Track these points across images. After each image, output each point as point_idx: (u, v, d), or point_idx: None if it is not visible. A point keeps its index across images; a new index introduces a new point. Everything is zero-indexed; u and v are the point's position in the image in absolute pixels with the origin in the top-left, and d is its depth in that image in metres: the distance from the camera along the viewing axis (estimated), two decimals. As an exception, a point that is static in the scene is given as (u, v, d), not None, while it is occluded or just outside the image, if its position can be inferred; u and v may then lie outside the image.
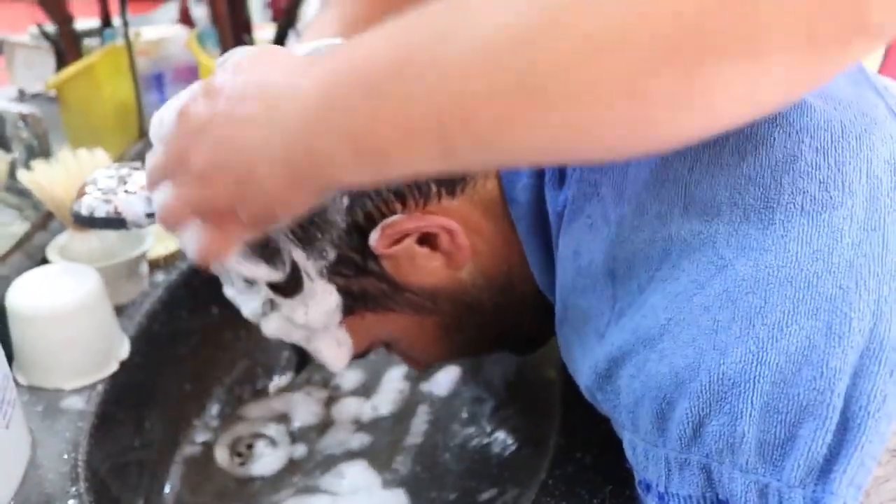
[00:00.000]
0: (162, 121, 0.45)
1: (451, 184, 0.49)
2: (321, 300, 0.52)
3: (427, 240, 0.50)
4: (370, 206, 0.49)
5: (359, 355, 0.57)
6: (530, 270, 0.52)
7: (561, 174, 0.48)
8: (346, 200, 0.50)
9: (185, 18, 1.39)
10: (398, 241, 0.50)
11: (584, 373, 0.44)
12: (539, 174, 0.49)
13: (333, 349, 0.55)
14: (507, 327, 0.57)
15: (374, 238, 0.50)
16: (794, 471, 0.33)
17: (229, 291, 0.56)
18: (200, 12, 1.45)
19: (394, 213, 0.49)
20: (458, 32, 0.31)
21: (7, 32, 1.22)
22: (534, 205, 0.50)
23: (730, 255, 0.36)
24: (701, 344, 0.36)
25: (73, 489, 0.53)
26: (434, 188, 0.49)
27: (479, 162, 0.39)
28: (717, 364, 0.35)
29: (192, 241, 0.42)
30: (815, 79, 0.30)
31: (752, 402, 0.34)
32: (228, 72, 0.40)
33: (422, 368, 0.63)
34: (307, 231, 0.49)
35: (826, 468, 0.33)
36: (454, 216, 0.50)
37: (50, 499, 0.52)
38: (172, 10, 1.48)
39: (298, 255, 0.50)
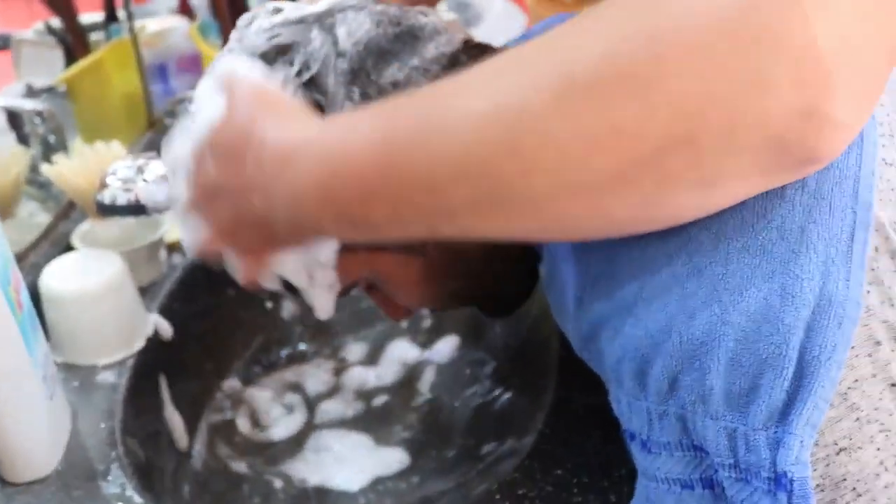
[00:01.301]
0: (176, 159, 0.48)
1: None
2: None
3: None
4: None
5: (342, 293, 0.57)
6: None
7: None
8: None
9: (185, 8, 1.42)
10: None
11: (570, 334, 0.48)
12: None
13: (325, 292, 0.56)
14: (488, 281, 0.58)
15: None
16: (757, 416, 0.36)
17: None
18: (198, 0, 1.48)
19: None
20: (433, 140, 0.35)
21: (12, 29, 1.25)
22: None
23: (693, 230, 0.39)
24: (671, 310, 0.39)
25: (113, 454, 0.58)
26: None
27: (464, 238, 0.42)
28: (687, 326, 0.38)
29: (234, 270, 0.48)
30: (771, 187, 0.35)
31: (718, 359, 0.37)
32: (232, 112, 0.44)
33: (399, 317, 0.64)
34: None
35: (785, 412, 0.36)
36: None
37: (92, 463, 0.58)
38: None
39: None
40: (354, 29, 0.50)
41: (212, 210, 0.45)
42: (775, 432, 0.36)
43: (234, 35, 0.54)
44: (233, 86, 0.46)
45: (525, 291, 0.58)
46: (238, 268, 0.48)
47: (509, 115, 0.33)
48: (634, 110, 0.31)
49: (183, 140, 0.47)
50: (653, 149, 0.31)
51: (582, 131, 0.32)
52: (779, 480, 0.36)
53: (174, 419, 0.70)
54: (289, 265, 0.51)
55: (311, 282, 0.55)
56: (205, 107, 0.47)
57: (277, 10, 0.52)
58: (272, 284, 0.51)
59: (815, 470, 0.37)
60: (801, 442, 0.36)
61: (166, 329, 0.73)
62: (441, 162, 0.35)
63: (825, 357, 0.35)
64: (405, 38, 0.51)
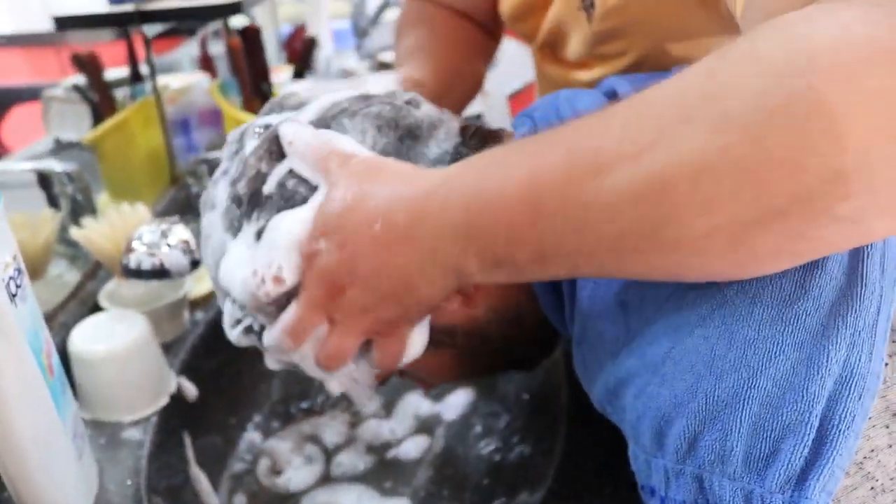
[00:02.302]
0: (233, 279, 0.50)
1: None
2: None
3: None
4: None
5: (381, 383, 0.61)
6: (536, 304, 0.56)
7: None
8: None
9: (206, 64, 1.47)
10: None
11: (596, 388, 0.49)
12: None
13: (365, 388, 0.59)
14: (513, 353, 0.61)
15: None
16: (775, 479, 0.38)
17: (244, 340, 0.57)
18: (218, 49, 1.52)
19: None
20: (585, 182, 0.37)
21: (41, 79, 1.29)
22: None
23: (731, 293, 0.40)
24: (699, 370, 0.40)
25: (138, 511, 0.61)
26: None
27: (599, 276, 0.46)
28: (714, 388, 0.39)
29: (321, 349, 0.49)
30: None
31: (741, 421, 0.38)
32: (339, 191, 0.46)
33: (430, 389, 0.67)
34: None
35: (802, 477, 0.37)
36: None
37: (118, 520, 0.60)
38: (192, 48, 1.55)
39: None
40: (361, 140, 0.52)
41: (347, 291, 0.46)
42: (791, 496, 0.37)
43: (226, 152, 0.56)
44: (328, 165, 0.48)
45: (545, 354, 0.60)
46: (331, 345, 0.49)
47: (662, 156, 0.35)
48: (794, 142, 0.32)
49: (252, 251, 0.49)
50: (813, 181, 0.32)
51: (740, 166, 0.33)
52: None
53: (198, 474, 0.73)
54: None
55: (354, 383, 0.58)
56: (286, 201, 0.49)
57: (266, 127, 0.54)
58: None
59: None
60: None
61: (191, 391, 0.76)
62: (591, 202, 0.37)
63: (844, 427, 0.37)
64: (407, 141, 0.53)
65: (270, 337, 0.51)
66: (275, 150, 0.51)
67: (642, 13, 0.60)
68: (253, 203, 0.51)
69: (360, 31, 2.12)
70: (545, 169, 0.39)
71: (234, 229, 0.52)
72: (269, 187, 0.51)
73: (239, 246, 0.52)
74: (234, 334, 0.55)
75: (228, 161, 0.55)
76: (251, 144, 0.53)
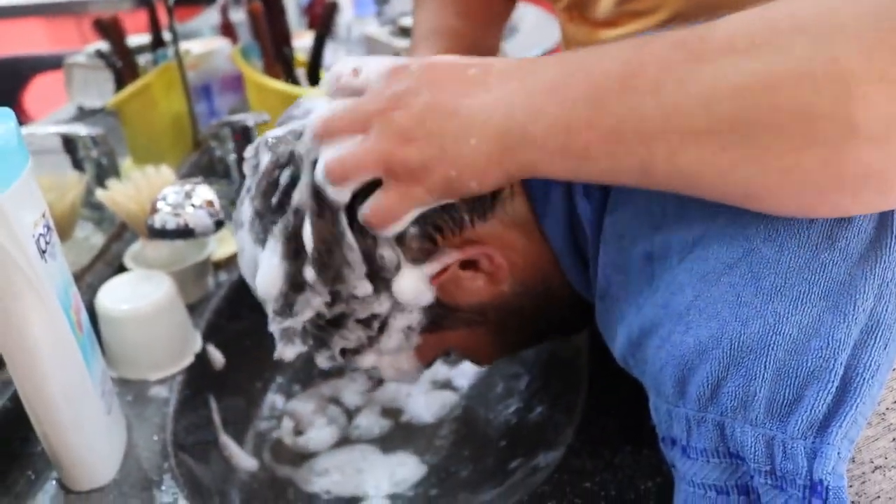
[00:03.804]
0: (339, 75, 0.50)
1: (482, 209, 0.53)
2: (397, 331, 0.57)
3: (469, 264, 0.54)
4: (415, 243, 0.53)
5: (427, 365, 0.63)
6: (562, 274, 0.56)
7: (586, 186, 0.52)
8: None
9: (227, 30, 1.47)
10: (444, 272, 0.54)
11: (618, 341, 0.49)
12: (566, 186, 0.53)
13: (409, 374, 0.62)
14: (547, 324, 0.61)
15: (427, 274, 0.54)
16: (797, 425, 0.38)
17: (289, 352, 0.59)
18: (239, 16, 1.52)
19: (435, 243, 0.52)
20: (687, 65, 0.37)
21: (63, 48, 1.30)
22: (564, 214, 0.53)
23: (757, 240, 0.40)
24: (725, 316, 0.40)
25: (166, 465, 0.62)
26: (466, 217, 0.52)
27: (669, 188, 0.42)
28: (738, 333, 0.39)
29: (373, 201, 0.48)
30: None
31: (765, 367, 0.38)
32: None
33: (483, 365, 0.68)
34: (372, 252, 0.53)
35: (825, 424, 0.37)
36: (488, 239, 0.53)
37: (147, 473, 0.61)
38: (212, 16, 1.55)
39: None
40: None
41: (400, 109, 0.45)
42: (813, 442, 0.37)
43: (246, 169, 0.56)
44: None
45: (582, 319, 0.60)
46: (379, 197, 0.48)
47: (772, 56, 0.35)
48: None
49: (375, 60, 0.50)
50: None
51: (845, 77, 0.33)
52: (814, 488, 0.38)
53: (221, 431, 0.74)
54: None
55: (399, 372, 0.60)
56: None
57: (277, 139, 0.54)
58: (393, 231, 0.50)
59: (850, 486, 0.39)
60: (839, 454, 0.37)
61: (218, 359, 0.78)
62: (688, 86, 0.37)
63: (869, 375, 0.37)
64: None
65: (310, 121, 0.51)
66: (284, 161, 0.52)
67: None
68: (272, 212, 0.53)
69: (381, -2, 2.11)
70: (648, 51, 0.39)
71: (261, 241, 0.54)
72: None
73: (268, 256, 0.53)
74: (279, 347, 0.59)
75: (250, 178, 0.56)
76: (265, 158, 0.54)
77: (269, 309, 0.56)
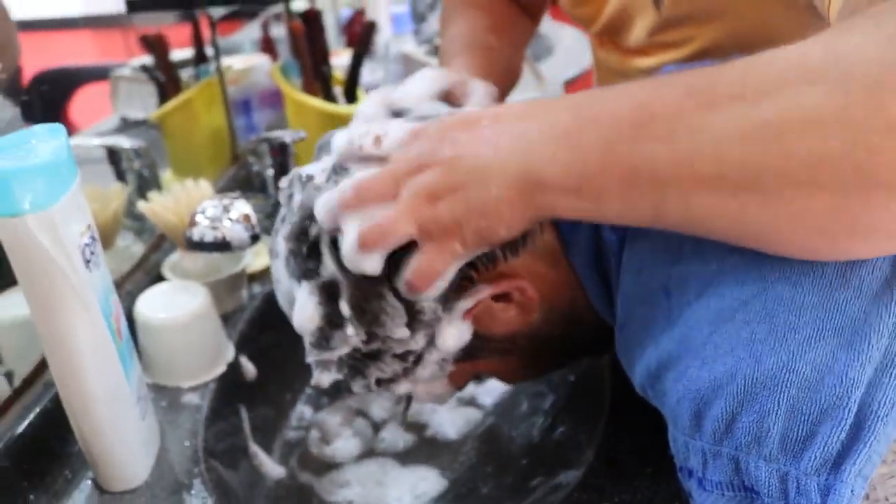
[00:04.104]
0: (362, 145, 0.52)
1: (514, 246, 0.54)
2: (432, 363, 0.59)
3: (501, 297, 0.56)
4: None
5: (459, 389, 0.65)
6: (588, 300, 0.58)
7: None
8: None
9: (268, 46, 1.50)
10: (478, 304, 0.55)
11: (637, 371, 0.50)
12: None
13: (442, 397, 0.64)
14: (575, 348, 0.63)
15: (462, 309, 0.55)
16: (811, 461, 0.38)
17: (326, 379, 0.61)
18: (279, 31, 1.56)
19: (471, 280, 0.54)
20: (697, 113, 0.38)
21: (109, 60, 1.34)
22: (590, 244, 0.55)
23: (772, 278, 0.41)
24: (739, 353, 0.40)
25: (196, 469, 0.64)
26: (499, 252, 0.54)
27: (682, 231, 0.43)
28: (752, 370, 0.40)
29: (414, 263, 0.49)
30: None
31: (779, 403, 0.39)
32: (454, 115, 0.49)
33: (511, 384, 0.69)
34: (412, 305, 0.54)
35: (839, 461, 0.38)
36: (520, 272, 0.55)
37: (178, 476, 0.63)
38: (254, 30, 1.59)
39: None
40: None
41: (428, 169, 0.46)
42: (827, 479, 0.38)
43: (282, 198, 0.58)
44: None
45: (609, 342, 0.61)
46: (418, 260, 0.49)
47: (780, 104, 0.35)
48: None
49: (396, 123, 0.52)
50: None
51: (854, 126, 0.33)
52: None
53: (251, 440, 0.76)
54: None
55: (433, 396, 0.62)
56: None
57: (309, 178, 0.56)
58: (437, 290, 0.51)
59: None
60: (852, 491, 0.38)
61: (250, 370, 0.80)
62: (699, 133, 0.37)
63: (883, 413, 0.37)
64: None
65: (336, 191, 0.51)
66: (311, 213, 0.54)
67: (718, 1, 0.61)
68: (304, 258, 0.55)
69: (418, 16, 2.14)
70: (659, 96, 0.40)
71: (297, 278, 0.56)
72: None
73: (304, 294, 0.55)
74: (315, 374, 0.60)
75: (285, 207, 0.58)
76: (298, 196, 0.56)
77: (306, 341, 0.58)
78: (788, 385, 0.39)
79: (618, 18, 0.72)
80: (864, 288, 0.39)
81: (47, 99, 1.05)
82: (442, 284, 0.51)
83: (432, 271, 0.49)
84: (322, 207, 0.51)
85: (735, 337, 0.41)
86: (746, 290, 0.42)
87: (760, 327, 0.40)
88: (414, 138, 0.49)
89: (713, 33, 0.64)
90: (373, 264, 0.49)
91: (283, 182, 0.58)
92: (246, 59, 1.39)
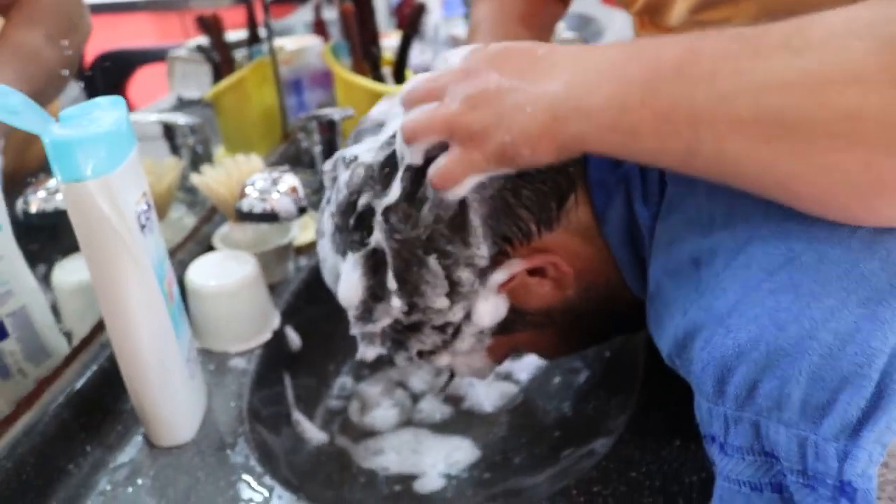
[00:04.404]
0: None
1: (549, 220, 0.56)
2: (470, 335, 0.61)
3: (536, 271, 0.58)
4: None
5: (499, 362, 0.67)
6: (622, 276, 0.59)
7: (645, 194, 0.55)
8: None
9: (319, 28, 1.53)
10: (512, 279, 0.57)
11: (666, 342, 0.50)
12: (626, 194, 0.56)
13: (482, 371, 0.66)
14: (610, 324, 0.65)
15: (496, 281, 0.57)
16: (830, 428, 0.39)
17: (370, 353, 0.64)
18: (331, 14, 1.58)
19: (506, 255, 0.56)
20: (741, 59, 0.39)
21: (167, 42, 1.38)
22: (624, 221, 0.56)
23: (799, 249, 0.41)
24: (763, 321, 0.41)
25: (240, 429, 0.67)
26: (534, 227, 0.56)
27: (711, 176, 0.43)
28: (775, 337, 0.40)
29: (440, 161, 0.51)
30: None
31: (800, 370, 0.39)
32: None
33: (550, 360, 0.71)
34: (451, 275, 0.57)
35: (857, 427, 0.38)
36: (555, 247, 0.57)
37: (223, 436, 0.66)
38: (306, 13, 1.62)
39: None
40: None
41: (471, 81, 0.49)
42: (845, 445, 0.38)
43: (326, 180, 0.61)
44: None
45: (642, 324, 0.63)
46: (443, 159, 0.51)
47: (825, 56, 0.36)
48: None
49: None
50: None
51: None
52: (843, 489, 0.39)
53: (294, 406, 0.79)
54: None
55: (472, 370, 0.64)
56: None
57: (354, 158, 0.58)
58: (457, 194, 0.53)
59: (883, 491, 0.40)
60: (870, 457, 0.38)
61: (295, 341, 0.83)
62: (741, 77, 0.38)
63: None
64: None
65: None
66: (358, 188, 0.57)
67: None
68: (350, 231, 0.58)
69: (470, 0, 2.15)
70: (706, 40, 0.41)
71: (342, 252, 0.59)
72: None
73: (349, 268, 0.59)
74: (360, 348, 0.64)
75: (329, 189, 0.61)
76: (343, 175, 0.58)
77: (350, 315, 0.61)
78: (810, 352, 0.39)
79: None
80: (890, 259, 0.39)
81: (108, 79, 1.10)
82: (459, 191, 0.53)
83: (451, 175, 0.51)
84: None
85: (760, 306, 0.42)
86: (773, 261, 0.42)
87: (785, 297, 0.41)
88: (471, 53, 0.52)
89: (753, 10, 0.63)
90: (415, 157, 0.53)
91: (328, 165, 0.61)
92: (298, 39, 1.42)
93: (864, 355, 0.38)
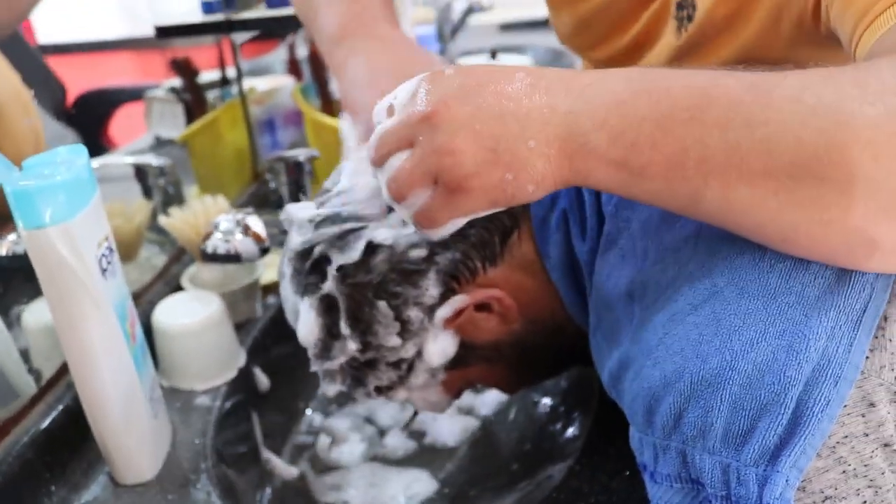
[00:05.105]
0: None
1: (493, 257, 0.59)
2: (423, 371, 0.64)
3: (483, 306, 0.60)
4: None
5: (455, 397, 0.69)
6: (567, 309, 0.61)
7: (582, 230, 0.58)
8: None
9: (293, 67, 1.56)
10: (459, 314, 0.60)
11: (605, 373, 0.53)
12: (565, 231, 0.59)
13: (439, 405, 0.68)
14: (561, 357, 0.67)
15: (441, 317, 0.60)
16: (750, 454, 0.40)
17: (331, 389, 0.66)
18: (305, 53, 1.61)
19: (453, 291, 0.59)
20: (752, 115, 0.39)
21: (148, 80, 1.40)
22: (564, 255, 0.59)
23: (722, 284, 0.44)
24: (687, 353, 0.43)
25: (203, 465, 0.69)
26: (479, 264, 0.59)
27: (713, 221, 0.43)
28: (699, 369, 0.42)
29: (416, 204, 0.46)
30: None
31: (721, 399, 0.41)
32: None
33: (509, 394, 0.74)
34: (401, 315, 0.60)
35: (776, 453, 0.40)
36: (499, 282, 0.60)
37: (186, 472, 0.68)
38: (284, 52, 1.65)
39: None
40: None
41: (444, 116, 0.43)
42: (764, 470, 0.40)
43: (287, 225, 0.64)
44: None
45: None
46: (425, 202, 0.46)
47: (831, 111, 0.37)
48: None
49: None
50: None
51: None
52: None
53: (261, 443, 0.81)
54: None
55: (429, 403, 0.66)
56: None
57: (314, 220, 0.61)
58: (443, 234, 0.49)
59: None
60: (787, 481, 0.40)
61: (263, 382, 0.85)
62: (756, 126, 0.38)
63: (818, 410, 0.39)
64: None
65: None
66: (307, 247, 0.61)
67: (740, 28, 0.59)
68: (306, 274, 0.61)
69: (444, 37, 2.19)
70: (719, 84, 0.40)
71: (300, 294, 0.62)
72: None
73: (306, 309, 0.62)
74: (322, 385, 0.66)
75: (289, 233, 0.64)
76: (295, 229, 0.62)
77: (310, 353, 0.64)
78: (731, 382, 0.41)
79: (640, 43, 0.69)
80: (805, 294, 0.41)
81: (90, 118, 1.12)
82: (444, 232, 0.49)
83: (434, 220, 0.47)
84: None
85: (685, 338, 0.44)
86: (698, 296, 0.44)
87: (708, 330, 0.43)
88: (430, 81, 0.45)
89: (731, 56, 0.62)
90: (408, 212, 0.48)
91: (283, 215, 0.64)
92: (271, 80, 1.45)
93: (781, 384, 0.40)
